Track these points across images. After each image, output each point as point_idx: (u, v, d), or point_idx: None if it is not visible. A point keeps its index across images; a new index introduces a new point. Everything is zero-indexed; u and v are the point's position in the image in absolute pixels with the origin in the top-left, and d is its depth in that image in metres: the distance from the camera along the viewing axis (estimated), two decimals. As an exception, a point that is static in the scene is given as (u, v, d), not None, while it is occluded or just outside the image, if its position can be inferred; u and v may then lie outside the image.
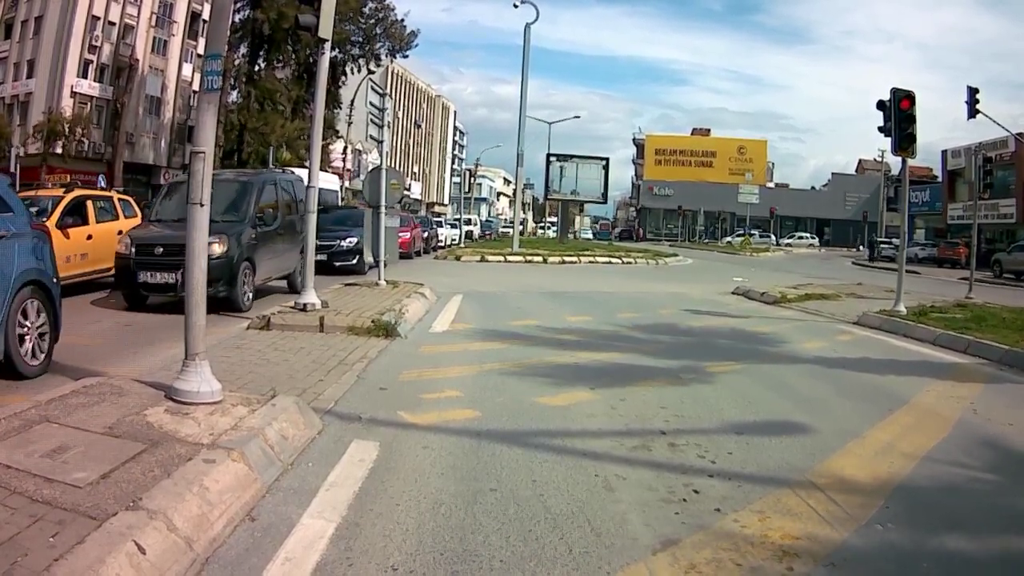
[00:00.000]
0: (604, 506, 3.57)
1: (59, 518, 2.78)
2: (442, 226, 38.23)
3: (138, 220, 12.50)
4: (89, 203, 12.12)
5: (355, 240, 16.27)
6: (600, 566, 2.95)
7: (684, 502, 3.65)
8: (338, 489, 3.64)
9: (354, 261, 16.62)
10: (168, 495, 3.06)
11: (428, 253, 29.25)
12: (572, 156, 47.02)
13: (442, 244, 34.92)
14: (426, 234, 30.46)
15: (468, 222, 45.83)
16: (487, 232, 53.69)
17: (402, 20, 42.07)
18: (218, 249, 9.56)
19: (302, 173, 17.05)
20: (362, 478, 3.81)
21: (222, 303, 9.65)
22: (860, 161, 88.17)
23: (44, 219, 11.65)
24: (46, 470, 3.24)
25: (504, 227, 62.75)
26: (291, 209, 12.36)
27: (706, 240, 64.12)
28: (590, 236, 67.18)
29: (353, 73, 41.17)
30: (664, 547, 3.13)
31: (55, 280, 6.44)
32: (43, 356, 6.06)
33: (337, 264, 16.35)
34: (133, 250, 9.87)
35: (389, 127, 13.89)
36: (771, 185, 78.67)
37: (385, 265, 13.09)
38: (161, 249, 9.68)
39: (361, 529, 3.20)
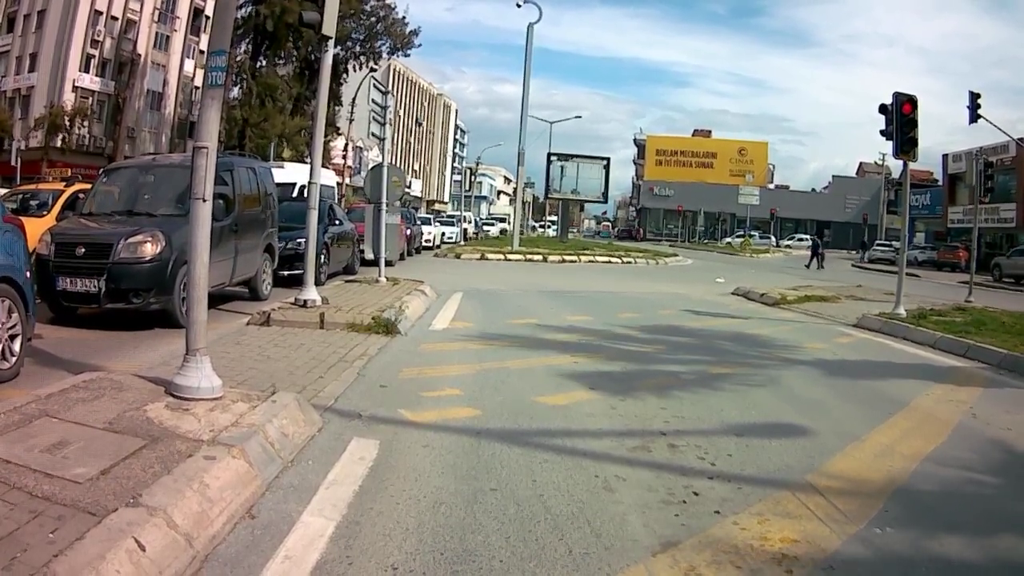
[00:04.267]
0: (604, 507, 3.57)
1: (59, 514, 2.78)
2: (429, 224, 32.49)
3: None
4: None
5: (303, 242, 11.17)
6: (600, 567, 2.95)
7: (684, 504, 3.65)
8: (338, 487, 3.64)
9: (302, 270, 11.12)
10: (168, 492, 3.05)
11: (408, 256, 23.54)
12: (573, 155, 47.03)
13: (429, 244, 29.96)
14: (408, 232, 23.36)
15: (463, 219, 41.62)
16: (476, 231, 47.86)
17: (403, 18, 42.08)
18: (150, 249, 8.04)
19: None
20: (362, 476, 3.80)
21: (156, 317, 8.17)
22: (861, 164, 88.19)
23: (44, 212, 11.69)
24: (46, 465, 3.24)
25: (487, 224, 56.66)
26: (254, 202, 10.60)
27: (706, 241, 64.16)
28: (592, 235, 66.96)
29: (355, 71, 41.15)
30: (664, 549, 3.13)
31: (28, 276, 6.08)
32: (14, 359, 5.67)
33: (284, 273, 12.26)
34: (53, 249, 8.13)
35: (391, 125, 13.88)
36: (771, 187, 78.69)
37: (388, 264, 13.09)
38: (83, 249, 8.06)
39: (361, 528, 3.20)
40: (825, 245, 36.09)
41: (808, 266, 33.44)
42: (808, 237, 66.91)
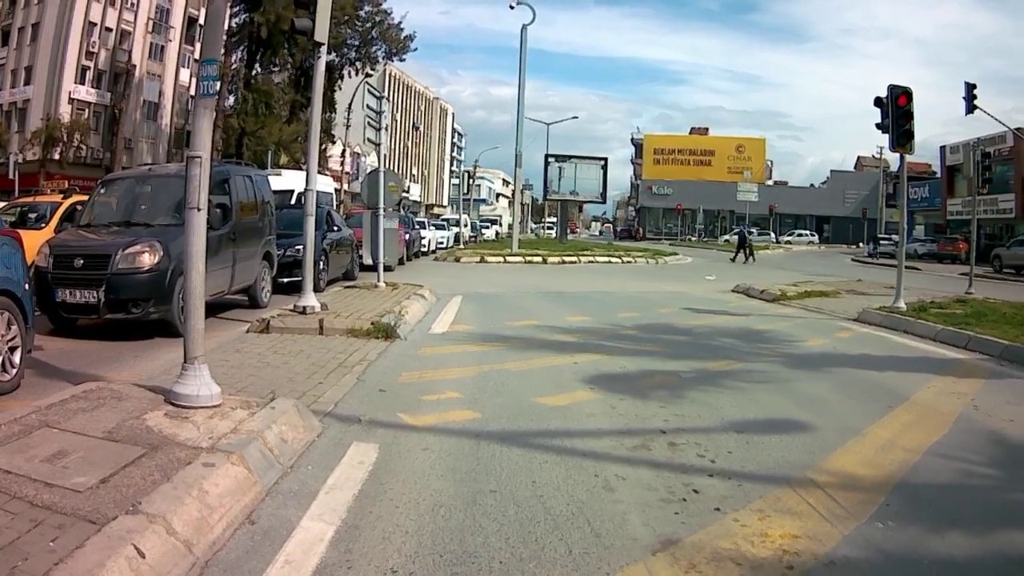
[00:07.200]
0: (604, 506, 3.56)
1: (59, 522, 2.78)
2: (425, 228, 31.01)
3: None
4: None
5: (302, 248, 10.50)
6: (600, 567, 2.95)
7: (684, 502, 3.64)
8: (338, 492, 3.64)
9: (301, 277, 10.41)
10: (167, 499, 3.05)
11: (407, 261, 23.36)
12: (571, 156, 47.16)
13: (426, 250, 29.07)
14: (406, 237, 23.05)
15: (459, 222, 40.65)
16: (473, 235, 46.41)
17: (399, 23, 42.13)
18: (148, 260, 8.10)
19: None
20: (362, 480, 3.80)
21: (156, 326, 8.24)
22: (859, 158, 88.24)
23: (42, 225, 11.71)
24: (46, 475, 3.24)
25: (483, 226, 54.97)
26: (251, 210, 10.65)
27: (705, 239, 64.16)
28: (597, 234, 66.86)
29: (350, 76, 41.19)
30: (664, 547, 3.13)
31: (26, 288, 6.07)
32: (14, 371, 5.69)
33: (283, 280, 12.21)
34: (51, 261, 8.18)
35: (387, 130, 13.91)
36: (770, 183, 78.68)
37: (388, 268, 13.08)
38: (82, 261, 8.10)
39: (361, 532, 3.19)
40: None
41: (734, 259, 30.92)
42: (807, 233, 67.42)
